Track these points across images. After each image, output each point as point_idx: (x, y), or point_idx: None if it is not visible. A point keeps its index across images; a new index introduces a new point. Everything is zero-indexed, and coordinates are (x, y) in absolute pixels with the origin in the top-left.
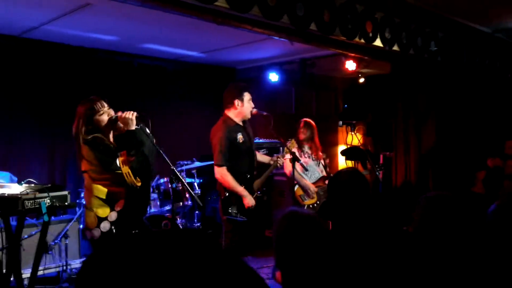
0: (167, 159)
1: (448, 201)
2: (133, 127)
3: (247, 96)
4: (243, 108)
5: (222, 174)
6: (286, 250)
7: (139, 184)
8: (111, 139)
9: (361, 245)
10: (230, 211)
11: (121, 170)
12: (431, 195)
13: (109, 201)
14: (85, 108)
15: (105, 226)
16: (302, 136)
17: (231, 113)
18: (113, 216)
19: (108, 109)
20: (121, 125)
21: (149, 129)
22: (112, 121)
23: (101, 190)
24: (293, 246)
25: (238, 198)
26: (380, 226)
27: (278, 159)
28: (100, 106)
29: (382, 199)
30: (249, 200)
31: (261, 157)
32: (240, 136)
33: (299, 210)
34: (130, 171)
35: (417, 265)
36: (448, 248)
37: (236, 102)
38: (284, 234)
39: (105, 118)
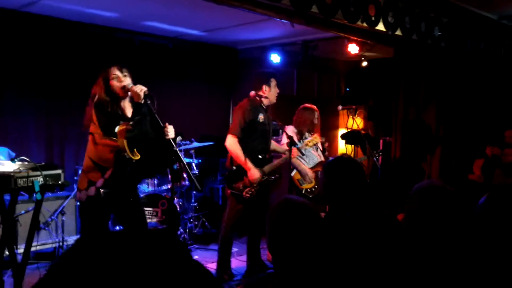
0: (171, 140)
1: (439, 191)
2: (141, 100)
3: (273, 82)
4: (270, 93)
5: (232, 142)
6: (278, 237)
7: (136, 157)
8: (123, 105)
9: (354, 232)
10: (235, 185)
11: (116, 138)
12: (423, 185)
13: (100, 166)
14: (103, 72)
15: (91, 190)
16: (316, 122)
17: (258, 95)
18: (100, 182)
19: (123, 76)
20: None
21: (154, 108)
22: (124, 90)
23: (97, 155)
24: (286, 234)
25: (245, 173)
26: (375, 214)
27: (292, 152)
28: (113, 71)
29: (380, 185)
30: (253, 173)
31: (277, 147)
32: (261, 116)
33: (294, 198)
34: (125, 142)
35: (408, 254)
36: (438, 239)
37: (264, 87)
38: (276, 222)
39: (116, 83)
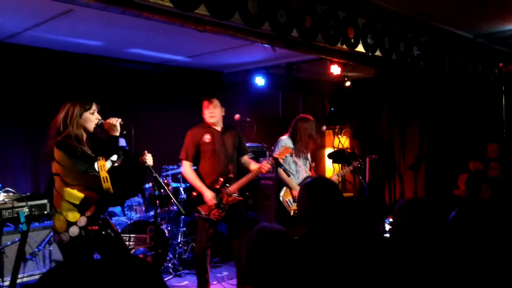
0: (150, 167)
1: (420, 206)
2: (117, 133)
3: (204, 104)
4: (204, 115)
5: (185, 167)
6: (256, 267)
7: (112, 191)
8: (84, 141)
9: (335, 253)
10: (199, 208)
11: (99, 174)
12: (404, 202)
13: (82, 206)
14: (78, 104)
15: (73, 230)
16: (313, 133)
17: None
18: (83, 221)
19: (98, 112)
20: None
21: (131, 137)
22: (98, 126)
23: (74, 195)
24: (263, 263)
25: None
26: (356, 233)
27: (262, 167)
28: (92, 106)
29: (366, 202)
30: (207, 195)
31: (252, 165)
32: (207, 136)
33: (269, 226)
34: (108, 176)
35: (391, 271)
36: (419, 255)
37: (204, 109)
38: (253, 251)
39: (93, 119)
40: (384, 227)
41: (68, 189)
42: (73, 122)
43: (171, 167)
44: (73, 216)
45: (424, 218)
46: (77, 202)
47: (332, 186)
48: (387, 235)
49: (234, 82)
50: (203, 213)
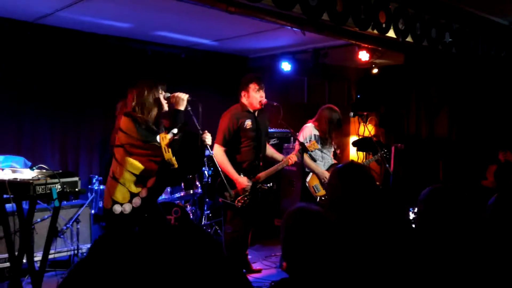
0: (208, 147)
1: (449, 193)
2: (183, 107)
3: (252, 87)
4: (249, 98)
5: (218, 152)
6: (293, 246)
7: (176, 165)
8: (153, 119)
9: (366, 239)
10: (226, 194)
11: (160, 144)
12: (429, 190)
13: (142, 177)
14: (148, 82)
15: (136, 201)
16: (337, 122)
17: (243, 101)
18: (144, 192)
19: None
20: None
21: (199, 114)
22: (166, 99)
23: (136, 166)
24: (300, 243)
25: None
26: (384, 219)
27: (289, 159)
28: (162, 87)
29: (391, 192)
30: (241, 182)
31: (276, 154)
32: (248, 122)
33: (307, 206)
34: (168, 147)
35: (420, 259)
36: (450, 242)
37: (243, 93)
38: (291, 231)
39: (161, 97)
40: (408, 216)
41: (130, 159)
42: (147, 101)
43: None
44: (136, 187)
45: (448, 206)
46: (137, 173)
47: (366, 172)
48: (412, 224)
49: (260, 67)
50: (229, 198)
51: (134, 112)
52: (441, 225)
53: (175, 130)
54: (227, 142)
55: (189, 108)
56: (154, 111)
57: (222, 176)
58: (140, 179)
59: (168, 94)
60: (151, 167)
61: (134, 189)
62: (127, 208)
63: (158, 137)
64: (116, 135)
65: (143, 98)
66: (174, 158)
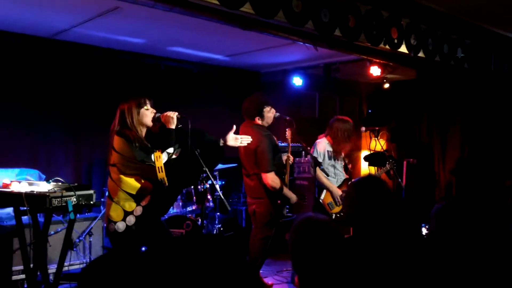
0: (201, 161)
1: (461, 209)
2: (173, 126)
3: (267, 108)
4: (264, 120)
5: (273, 178)
6: (302, 255)
7: (167, 184)
8: (143, 136)
9: (379, 252)
10: (284, 213)
11: (154, 164)
12: (444, 204)
13: (138, 196)
14: (132, 102)
15: (130, 220)
16: (351, 134)
17: (257, 122)
18: (139, 210)
19: (152, 107)
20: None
21: (188, 130)
22: (155, 119)
23: (130, 185)
24: (308, 252)
25: (286, 199)
26: (400, 234)
27: (288, 158)
28: (147, 102)
29: (404, 206)
30: (292, 196)
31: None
32: (275, 138)
33: (315, 216)
34: (163, 167)
35: (433, 274)
36: (464, 256)
37: (257, 118)
38: (299, 240)
39: (149, 113)
40: (421, 232)
41: (125, 178)
42: (132, 119)
43: None
44: (130, 205)
45: (460, 222)
46: (133, 192)
47: (383, 185)
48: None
49: (272, 82)
50: (286, 215)
51: (126, 130)
52: (453, 241)
53: (170, 150)
54: (274, 163)
55: (180, 126)
56: (144, 128)
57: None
58: (135, 198)
59: (159, 114)
60: (145, 185)
61: (128, 207)
62: (121, 226)
63: (152, 156)
64: (111, 155)
65: (132, 115)
66: (166, 178)
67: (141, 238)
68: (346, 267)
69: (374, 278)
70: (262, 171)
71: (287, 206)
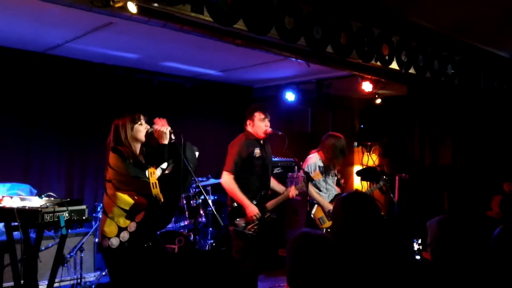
0: (194, 177)
1: (464, 224)
2: (166, 141)
3: (258, 116)
4: (254, 127)
5: (227, 180)
6: (299, 271)
7: (162, 200)
8: (138, 152)
9: (370, 268)
10: (236, 222)
11: (149, 180)
12: (445, 219)
13: (132, 212)
14: (126, 118)
15: (124, 236)
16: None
17: (248, 130)
18: (133, 227)
19: (145, 123)
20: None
21: (181, 145)
22: (148, 135)
23: (125, 201)
24: (306, 268)
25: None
26: (391, 250)
27: (290, 192)
28: (141, 118)
29: (396, 221)
30: (251, 210)
31: (277, 186)
32: (257, 151)
33: (312, 231)
34: (157, 183)
35: None
36: (465, 274)
37: (248, 122)
38: (296, 255)
39: (143, 129)
40: (413, 247)
41: (120, 194)
42: (126, 135)
43: (200, 178)
44: (124, 221)
45: (454, 236)
46: (127, 208)
47: (370, 201)
48: (417, 256)
49: (264, 97)
50: (240, 226)
51: (120, 147)
52: (455, 258)
53: (164, 165)
54: (237, 169)
55: (173, 141)
56: (138, 143)
57: (232, 203)
58: (129, 214)
59: (152, 129)
60: (140, 201)
61: (122, 223)
62: (114, 242)
63: (147, 172)
64: (106, 171)
65: (126, 130)
66: (161, 193)
67: (134, 254)
68: (345, 281)
69: None
70: (224, 170)
71: (242, 219)
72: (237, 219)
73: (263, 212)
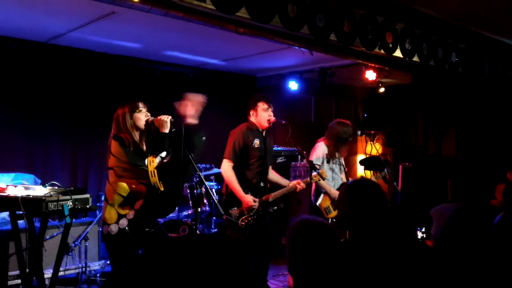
0: (195, 166)
1: (471, 213)
2: (167, 130)
3: (261, 106)
4: (257, 117)
5: (226, 168)
6: (298, 257)
7: (161, 188)
8: (138, 139)
9: (374, 255)
10: (231, 212)
11: (147, 168)
12: (460, 208)
13: (130, 199)
14: (127, 106)
15: (123, 223)
16: (349, 137)
17: (251, 120)
18: (131, 214)
19: (146, 111)
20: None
21: (182, 134)
22: (148, 123)
23: (124, 188)
24: (305, 254)
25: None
26: (397, 238)
27: (298, 184)
28: (140, 106)
29: (400, 210)
30: (247, 200)
31: (281, 180)
32: (256, 141)
33: (312, 218)
34: (155, 171)
35: (435, 279)
36: (468, 262)
37: (251, 112)
38: (296, 242)
39: (142, 117)
40: (416, 235)
41: (120, 182)
42: (126, 124)
43: (203, 165)
44: (123, 208)
45: (459, 224)
46: (125, 195)
47: (376, 188)
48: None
49: (268, 86)
50: (233, 216)
51: (121, 134)
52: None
53: (163, 154)
54: (237, 157)
55: (173, 130)
56: (138, 131)
57: (228, 192)
58: (127, 201)
59: (152, 118)
60: (139, 189)
61: (122, 211)
62: (114, 228)
63: (146, 161)
64: (108, 158)
65: (126, 119)
66: (160, 182)
67: (135, 241)
68: (342, 269)
69: (368, 281)
70: (223, 157)
71: (236, 209)
72: (232, 209)
73: (263, 204)
